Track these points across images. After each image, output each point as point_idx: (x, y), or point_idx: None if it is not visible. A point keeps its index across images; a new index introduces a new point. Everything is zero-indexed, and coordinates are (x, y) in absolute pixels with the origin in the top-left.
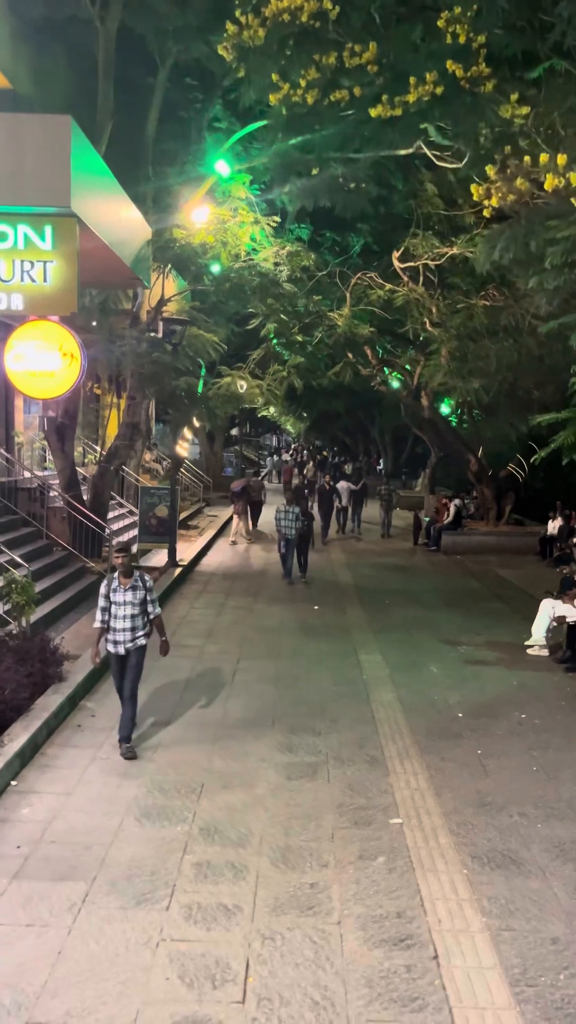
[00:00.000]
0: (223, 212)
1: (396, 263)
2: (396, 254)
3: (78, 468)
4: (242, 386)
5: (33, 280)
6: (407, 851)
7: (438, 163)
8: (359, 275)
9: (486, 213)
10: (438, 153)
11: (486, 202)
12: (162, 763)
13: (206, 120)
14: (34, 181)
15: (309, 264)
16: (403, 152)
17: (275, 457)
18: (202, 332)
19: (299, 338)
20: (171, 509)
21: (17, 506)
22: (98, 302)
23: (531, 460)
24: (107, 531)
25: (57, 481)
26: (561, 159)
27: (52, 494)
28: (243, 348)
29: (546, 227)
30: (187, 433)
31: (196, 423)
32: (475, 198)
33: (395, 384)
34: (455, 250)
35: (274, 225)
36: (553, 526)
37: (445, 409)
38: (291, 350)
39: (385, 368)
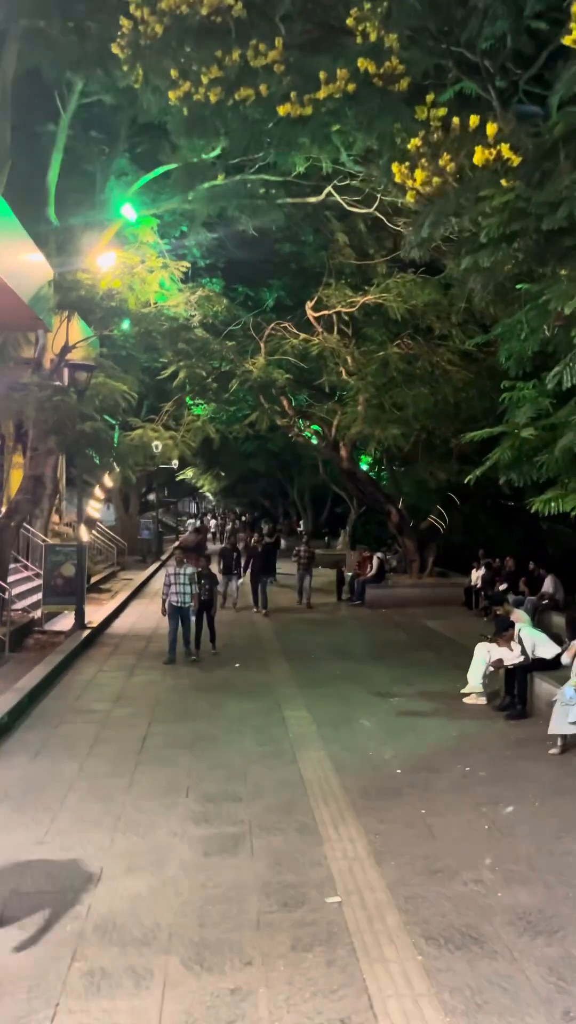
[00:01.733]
0: (131, 257)
1: (310, 312)
2: (310, 304)
3: None
4: (157, 446)
5: None
6: (348, 936)
7: (349, 208)
8: (273, 325)
9: (409, 197)
10: (348, 198)
11: (409, 183)
12: (53, 846)
13: (112, 171)
14: None
15: (220, 309)
16: (313, 200)
17: (197, 521)
18: (109, 379)
19: (214, 386)
20: (78, 567)
21: None
22: None
23: (466, 479)
24: (7, 594)
25: None
26: (491, 128)
27: None
28: (158, 403)
29: (478, 199)
30: (99, 493)
31: (108, 482)
32: (397, 179)
33: (314, 440)
34: (368, 298)
35: (184, 270)
36: (476, 576)
37: (364, 466)
38: (204, 398)
39: (301, 420)
